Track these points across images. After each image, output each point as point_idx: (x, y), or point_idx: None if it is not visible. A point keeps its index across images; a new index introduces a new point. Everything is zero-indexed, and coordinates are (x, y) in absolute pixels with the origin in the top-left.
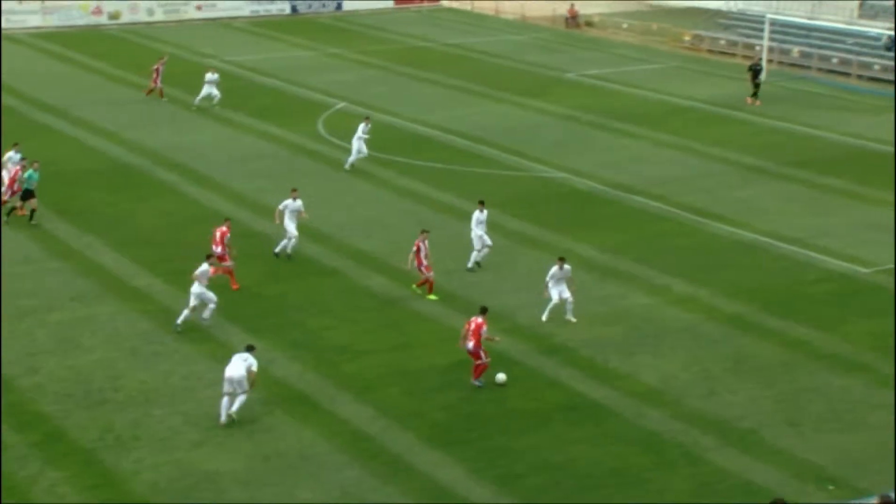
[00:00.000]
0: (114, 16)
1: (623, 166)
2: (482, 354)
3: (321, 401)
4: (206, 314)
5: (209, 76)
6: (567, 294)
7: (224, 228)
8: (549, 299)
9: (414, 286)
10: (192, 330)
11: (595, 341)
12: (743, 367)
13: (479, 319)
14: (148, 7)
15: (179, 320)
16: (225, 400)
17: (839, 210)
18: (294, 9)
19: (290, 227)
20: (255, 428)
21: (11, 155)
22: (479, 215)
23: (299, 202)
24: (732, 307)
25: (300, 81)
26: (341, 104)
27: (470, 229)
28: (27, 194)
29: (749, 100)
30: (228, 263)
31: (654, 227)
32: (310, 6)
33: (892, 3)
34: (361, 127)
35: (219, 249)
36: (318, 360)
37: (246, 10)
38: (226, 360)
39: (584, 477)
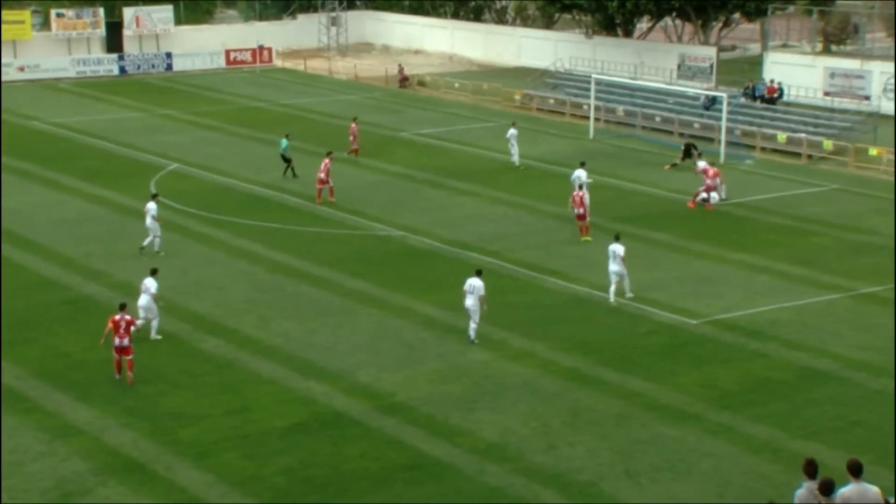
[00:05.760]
0: None
1: (459, 224)
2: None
3: (157, 469)
4: None
5: (511, 131)
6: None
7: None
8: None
9: None
10: (18, 401)
11: (435, 398)
12: (580, 420)
13: (125, 316)
14: None
15: None
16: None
17: (666, 263)
18: (122, 69)
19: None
20: (89, 499)
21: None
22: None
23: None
24: (569, 361)
25: (130, 143)
26: (174, 165)
27: None
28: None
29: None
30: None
31: (490, 283)
32: (138, 67)
33: (706, 64)
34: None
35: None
36: (153, 427)
37: (72, 70)
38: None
39: None
